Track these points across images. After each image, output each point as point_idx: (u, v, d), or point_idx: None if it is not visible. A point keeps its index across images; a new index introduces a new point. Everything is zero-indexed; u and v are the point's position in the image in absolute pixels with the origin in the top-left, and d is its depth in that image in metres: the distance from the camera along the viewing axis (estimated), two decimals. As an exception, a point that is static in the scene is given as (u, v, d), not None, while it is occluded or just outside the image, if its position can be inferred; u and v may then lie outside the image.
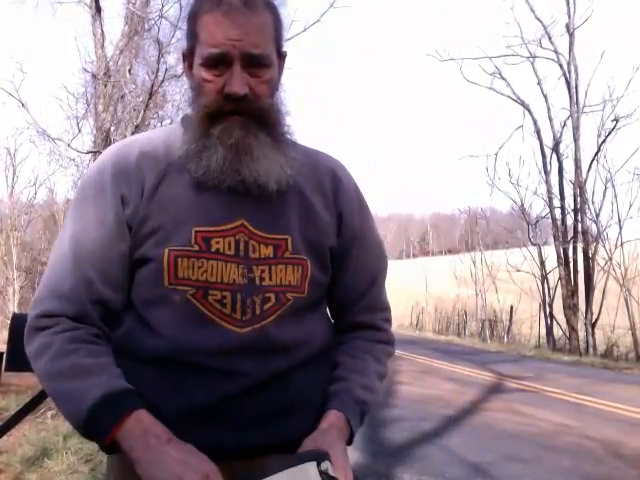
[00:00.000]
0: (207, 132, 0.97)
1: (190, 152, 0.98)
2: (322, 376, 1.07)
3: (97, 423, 0.87)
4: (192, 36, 0.99)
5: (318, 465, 0.84)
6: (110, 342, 1.00)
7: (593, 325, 14.22)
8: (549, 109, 16.07)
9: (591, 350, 13.88)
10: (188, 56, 1.03)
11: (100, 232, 0.98)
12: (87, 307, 0.96)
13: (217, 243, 0.97)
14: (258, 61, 0.97)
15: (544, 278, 16.28)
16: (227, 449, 0.94)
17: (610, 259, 14.02)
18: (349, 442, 1.01)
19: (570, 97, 15.29)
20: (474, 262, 20.39)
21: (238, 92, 0.95)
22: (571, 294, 15.06)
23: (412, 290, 30.71)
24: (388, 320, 1.18)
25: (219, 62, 0.96)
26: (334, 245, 1.07)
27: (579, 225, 15.23)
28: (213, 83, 0.97)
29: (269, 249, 1.00)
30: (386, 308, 1.18)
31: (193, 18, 0.99)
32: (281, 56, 1.05)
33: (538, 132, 16.29)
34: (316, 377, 1.05)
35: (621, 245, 14.13)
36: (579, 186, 14.94)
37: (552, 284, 16.07)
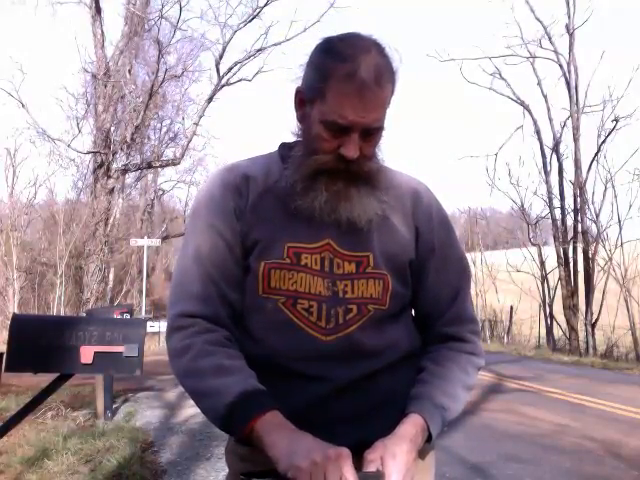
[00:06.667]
0: (314, 178, 1.08)
1: (296, 188, 1.08)
2: (407, 380, 1.13)
3: (237, 414, 0.98)
4: (318, 90, 1.05)
5: None
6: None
7: (593, 325, 14.21)
8: (549, 109, 16.07)
9: (591, 350, 13.86)
10: (305, 97, 1.09)
11: (217, 240, 1.09)
12: (219, 307, 1.08)
13: (306, 258, 1.08)
14: (374, 132, 1.07)
15: (544, 278, 16.28)
16: None
17: (610, 259, 14.00)
18: (428, 441, 1.06)
19: (570, 97, 15.28)
20: (474, 262, 20.35)
21: (352, 157, 1.05)
22: (571, 294, 15.05)
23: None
24: (475, 332, 1.21)
25: (340, 130, 1.04)
26: (413, 259, 1.15)
27: (579, 225, 15.21)
28: (329, 143, 1.06)
29: (352, 265, 1.10)
30: (473, 320, 1.22)
31: (323, 75, 1.04)
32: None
33: (538, 132, 16.28)
34: (401, 380, 1.12)
35: (621, 245, 14.11)
36: (579, 186, 14.93)
37: (552, 284, 16.07)
